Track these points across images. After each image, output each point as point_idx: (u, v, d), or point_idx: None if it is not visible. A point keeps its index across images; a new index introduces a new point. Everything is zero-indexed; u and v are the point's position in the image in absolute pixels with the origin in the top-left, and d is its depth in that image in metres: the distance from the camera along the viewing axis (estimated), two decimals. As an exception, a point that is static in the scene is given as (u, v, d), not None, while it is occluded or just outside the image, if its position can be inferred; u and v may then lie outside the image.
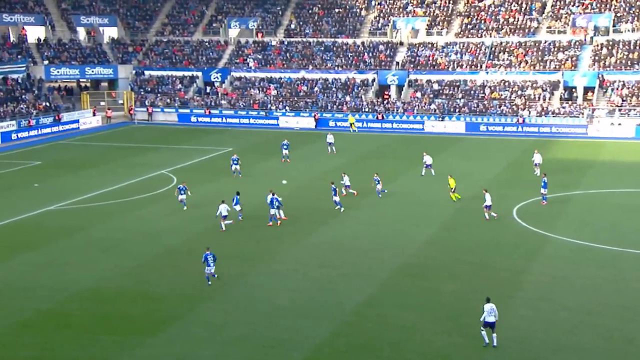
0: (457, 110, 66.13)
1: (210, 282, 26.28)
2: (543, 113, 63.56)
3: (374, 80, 72.37)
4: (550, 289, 25.98)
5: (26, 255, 30.06)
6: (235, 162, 44.62)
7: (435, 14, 76.62)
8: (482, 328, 21.37)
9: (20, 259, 29.62)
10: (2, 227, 34.49)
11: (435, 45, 73.28)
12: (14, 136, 61.72)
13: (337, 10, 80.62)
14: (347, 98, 70.41)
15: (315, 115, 67.79)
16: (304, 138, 60.15)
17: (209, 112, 71.67)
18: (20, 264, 29.05)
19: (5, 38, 75.61)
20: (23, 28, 76.88)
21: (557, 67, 67.45)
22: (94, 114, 70.85)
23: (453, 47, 72.47)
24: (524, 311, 23.98)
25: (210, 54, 79.35)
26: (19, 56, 72.98)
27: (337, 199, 36.31)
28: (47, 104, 68.89)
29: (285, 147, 50.05)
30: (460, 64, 70.80)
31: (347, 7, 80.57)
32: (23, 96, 68.44)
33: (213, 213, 33.75)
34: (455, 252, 30.01)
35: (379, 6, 79.48)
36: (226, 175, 44.74)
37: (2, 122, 62.22)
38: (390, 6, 79.00)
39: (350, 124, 65.01)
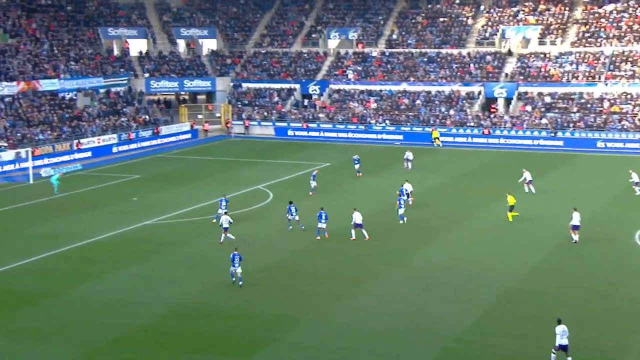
0: (571, 125, 61.61)
1: (240, 283, 26.81)
2: (671, 128, 58.30)
3: (480, 92, 68.69)
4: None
5: (123, 270, 29.93)
6: (313, 178, 43.66)
7: (548, 22, 72.05)
8: (553, 351, 20.24)
9: (118, 274, 29.48)
10: (101, 241, 34.39)
11: (548, 55, 68.91)
12: (114, 149, 62.02)
13: (441, 19, 77.25)
14: (451, 112, 66.99)
15: (432, 129, 64.66)
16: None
17: (307, 125, 69.89)
18: (117, 279, 28.91)
19: (109, 52, 76.82)
20: (126, 41, 77.99)
21: (688, 78, 61.77)
22: (192, 128, 70.58)
23: (568, 57, 67.86)
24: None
25: (309, 65, 77.71)
26: (122, 69, 73.88)
27: (401, 211, 35.35)
28: (147, 117, 69.12)
29: (356, 162, 49.34)
30: (575, 75, 66.12)
31: (453, 15, 77.04)
32: (124, 109, 68.98)
33: (307, 230, 33.05)
34: (568, 278, 28.01)
35: (487, 14, 75.61)
36: (322, 191, 43.14)
37: (104, 135, 62.69)
38: (499, 14, 74.96)
39: (434, 139, 62.28)
